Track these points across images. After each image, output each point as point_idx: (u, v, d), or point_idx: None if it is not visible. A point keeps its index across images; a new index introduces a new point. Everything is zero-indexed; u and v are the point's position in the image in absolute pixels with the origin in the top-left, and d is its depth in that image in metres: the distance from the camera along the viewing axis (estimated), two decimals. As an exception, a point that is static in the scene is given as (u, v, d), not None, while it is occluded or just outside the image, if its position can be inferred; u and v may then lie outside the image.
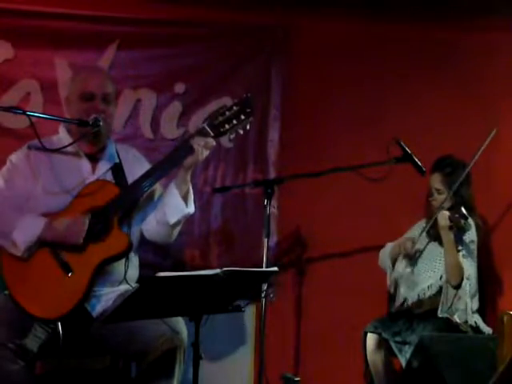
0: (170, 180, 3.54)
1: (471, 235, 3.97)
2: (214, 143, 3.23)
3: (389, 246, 4.21)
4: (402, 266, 4.10)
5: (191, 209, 3.29)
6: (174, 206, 3.23)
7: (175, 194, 3.23)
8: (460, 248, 3.93)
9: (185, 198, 3.25)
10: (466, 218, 3.84)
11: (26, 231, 3.09)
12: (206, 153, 3.20)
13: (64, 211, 3.16)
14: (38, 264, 3.12)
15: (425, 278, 4.05)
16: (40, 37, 4.18)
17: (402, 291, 4.08)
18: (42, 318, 3.08)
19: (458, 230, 3.88)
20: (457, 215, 3.83)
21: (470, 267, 3.94)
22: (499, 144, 4.44)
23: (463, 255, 3.93)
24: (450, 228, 3.86)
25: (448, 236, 3.89)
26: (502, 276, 4.40)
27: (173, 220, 3.25)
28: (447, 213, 3.87)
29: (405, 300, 4.06)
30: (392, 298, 4.17)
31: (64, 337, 3.06)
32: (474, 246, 3.99)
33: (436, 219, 3.95)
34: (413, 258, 4.07)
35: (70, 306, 3.07)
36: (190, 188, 3.28)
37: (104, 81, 3.32)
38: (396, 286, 4.12)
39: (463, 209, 3.85)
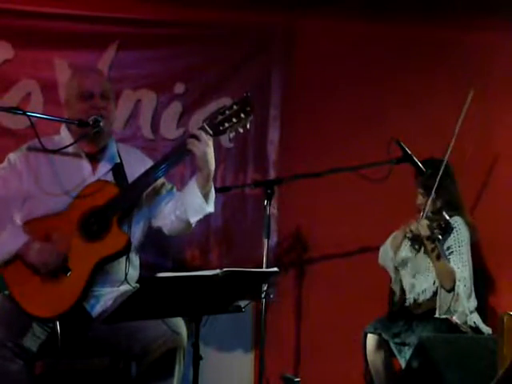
0: (170, 178, 3.54)
1: (453, 239, 3.95)
2: (204, 136, 3.15)
3: (388, 240, 4.20)
4: (405, 249, 4.07)
5: (211, 208, 3.28)
6: (195, 206, 3.22)
7: (197, 194, 3.20)
8: (447, 253, 3.92)
9: (206, 197, 3.23)
10: (442, 229, 3.80)
11: (4, 246, 3.11)
12: (203, 147, 3.13)
13: (64, 212, 3.16)
14: (37, 263, 3.12)
15: (419, 281, 4.04)
16: (40, 37, 4.19)
17: (405, 283, 4.06)
18: (40, 317, 3.07)
19: (433, 241, 3.86)
20: (434, 224, 3.80)
21: (461, 269, 3.93)
22: (497, 143, 4.45)
23: (450, 260, 3.92)
24: (428, 238, 3.85)
25: (429, 245, 3.89)
26: (502, 276, 4.40)
27: (193, 219, 3.25)
28: (426, 222, 3.86)
29: (404, 300, 4.06)
30: (393, 294, 4.16)
31: (63, 337, 3.06)
32: (461, 248, 3.95)
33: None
34: (417, 239, 4.02)
35: (68, 305, 3.07)
36: (212, 188, 3.26)
37: (100, 78, 3.34)
38: (397, 278, 4.11)
39: (444, 213, 3.83)
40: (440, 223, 3.80)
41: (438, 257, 3.89)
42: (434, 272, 3.98)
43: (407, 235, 4.05)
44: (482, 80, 4.49)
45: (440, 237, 3.82)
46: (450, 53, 4.51)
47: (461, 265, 3.93)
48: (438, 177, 3.92)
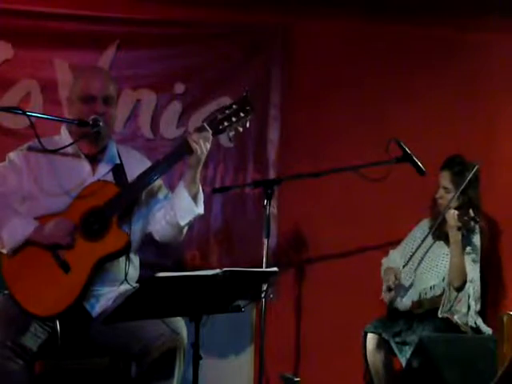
0: (170, 178, 3.54)
1: (477, 239, 3.96)
2: (210, 135, 3.19)
3: (391, 254, 4.20)
4: (388, 295, 4.10)
5: (201, 209, 3.29)
6: (184, 208, 3.22)
7: (184, 196, 3.21)
8: (467, 251, 3.92)
9: (194, 199, 3.24)
10: (476, 221, 3.82)
11: (15, 231, 3.10)
12: (206, 146, 3.18)
13: (64, 212, 3.16)
14: (36, 263, 3.11)
15: (427, 277, 4.05)
16: (40, 37, 4.19)
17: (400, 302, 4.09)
18: (40, 316, 3.07)
19: (467, 232, 3.87)
20: (466, 217, 3.81)
21: (473, 271, 3.94)
22: (500, 144, 4.45)
23: (468, 259, 3.92)
24: (459, 228, 3.85)
25: (456, 236, 3.88)
26: (503, 276, 4.40)
27: (183, 222, 3.25)
28: (456, 212, 3.86)
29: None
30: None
31: (63, 336, 3.06)
32: (478, 251, 3.99)
33: (443, 218, 3.95)
34: (393, 290, 4.04)
35: (68, 303, 3.07)
36: (200, 188, 3.26)
37: (105, 83, 3.29)
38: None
39: (471, 211, 3.84)
40: (473, 216, 3.80)
41: (460, 246, 3.89)
42: (445, 268, 3.97)
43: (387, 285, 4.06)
44: (481, 79, 4.50)
45: (473, 227, 3.83)
46: (449, 52, 4.51)
47: (473, 267, 3.94)
48: (470, 175, 3.94)
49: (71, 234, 3.10)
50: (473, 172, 3.95)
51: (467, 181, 3.94)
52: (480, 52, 4.49)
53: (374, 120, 4.47)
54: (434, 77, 4.51)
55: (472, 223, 3.82)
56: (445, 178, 4.06)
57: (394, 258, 4.18)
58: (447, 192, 4.05)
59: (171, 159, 3.22)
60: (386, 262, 4.21)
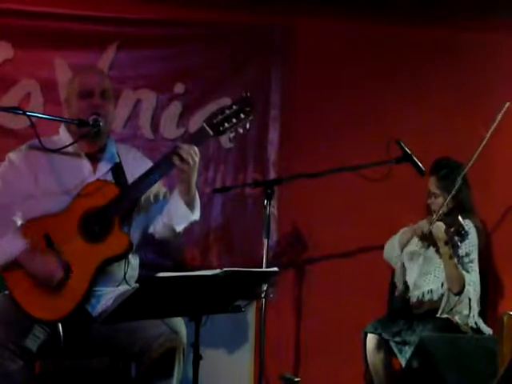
0: (170, 178, 3.53)
1: (468, 244, 3.94)
2: (197, 150, 3.13)
3: (396, 236, 4.18)
4: (414, 244, 4.06)
5: (197, 216, 3.26)
6: (180, 215, 3.21)
7: (180, 203, 3.20)
8: (457, 260, 3.91)
9: (190, 205, 3.22)
10: (460, 234, 3.79)
11: (4, 250, 3.09)
12: (194, 159, 3.10)
13: (64, 212, 3.15)
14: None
15: (424, 281, 4.04)
16: (40, 37, 4.20)
17: (410, 280, 4.06)
18: (42, 319, 3.07)
19: (452, 246, 3.85)
20: (452, 229, 3.79)
21: (471, 273, 3.93)
22: (499, 145, 4.44)
23: (462, 267, 3.92)
24: (446, 243, 3.84)
25: (444, 249, 3.87)
26: (503, 277, 4.40)
27: (179, 228, 3.24)
28: (443, 225, 3.84)
29: (404, 297, 4.07)
30: (394, 290, 4.16)
31: (64, 337, 3.06)
32: (473, 256, 3.97)
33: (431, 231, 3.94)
34: (428, 239, 4.00)
35: (70, 308, 3.06)
36: (196, 195, 3.23)
37: (101, 77, 3.32)
38: (402, 274, 4.10)
39: (460, 218, 3.82)
40: (459, 229, 3.78)
41: (451, 258, 3.88)
42: (442, 273, 3.97)
43: (417, 234, 4.03)
44: (482, 80, 4.50)
45: (459, 243, 3.82)
46: (450, 53, 4.52)
47: (470, 269, 3.93)
48: (459, 179, 3.90)
49: (55, 279, 3.05)
50: (461, 175, 3.92)
51: (457, 185, 3.91)
52: (481, 52, 4.50)
53: (374, 120, 4.47)
54: (435, 77, 4.52)
55: (456, 238, 3.79)
56: (432, 184, 4.06)
57: (393, 245, 4.18)
58: (436, 197, 4.05)
59: (170, 163, 3.19)
60: (390, 243, 4.17)
